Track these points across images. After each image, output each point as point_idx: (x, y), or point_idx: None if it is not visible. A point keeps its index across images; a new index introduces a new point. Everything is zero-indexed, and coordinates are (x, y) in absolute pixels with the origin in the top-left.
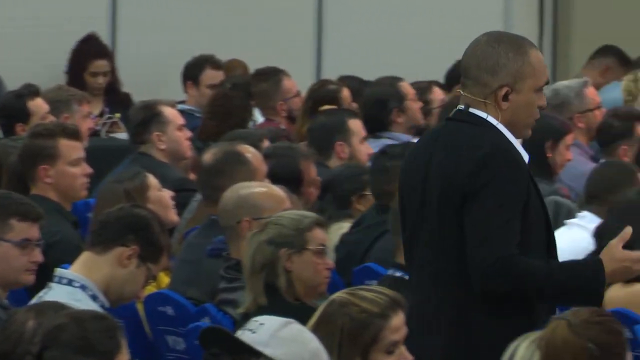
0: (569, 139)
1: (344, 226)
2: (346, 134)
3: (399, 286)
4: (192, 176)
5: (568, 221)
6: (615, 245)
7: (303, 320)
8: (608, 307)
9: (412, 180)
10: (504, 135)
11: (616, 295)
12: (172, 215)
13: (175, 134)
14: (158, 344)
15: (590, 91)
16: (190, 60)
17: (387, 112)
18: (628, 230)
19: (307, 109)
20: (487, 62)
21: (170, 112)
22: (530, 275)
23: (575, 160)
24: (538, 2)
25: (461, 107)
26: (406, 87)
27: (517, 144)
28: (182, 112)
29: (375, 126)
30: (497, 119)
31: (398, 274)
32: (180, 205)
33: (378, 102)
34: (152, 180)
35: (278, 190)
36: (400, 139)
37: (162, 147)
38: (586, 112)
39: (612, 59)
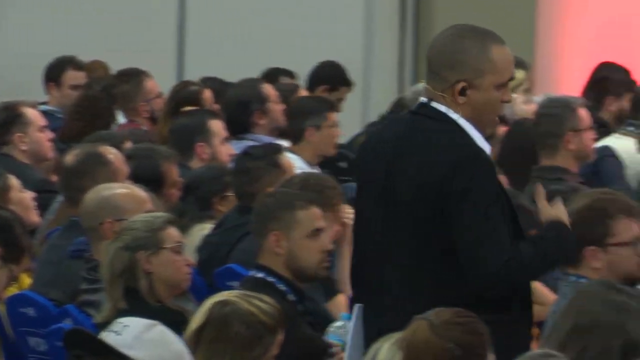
0: None
1: (206, 227)
2: (207, 134)
3: (260, 288)
4: (53, 177)
5: None
6: (546, 205)
7: (164, 322)
8: None
9: (372, 175)
10: (466, 131)
11: None
12: (34, 217)
13: (36, 135)
14: (20, 345)
15: None
16: (51, 62)
17: (249, 113)
18: (540, 189)
19: (168, 110)
20: (447, 57)
21: (31, 113)
22: (531, 265)
23: None
24: (399, 4)
25: (424, 100)
26: (268, 89)
27: (479, 138)
28: (44, 113)
29: (238, 128)
30: (457, 113)
31: (260, 275)
32: (42, 206)
33: (240, 104)
34: (13, 181)
35: (140, 192)
36: (262, 141)
37: (24, 148)
38: None
39: None
